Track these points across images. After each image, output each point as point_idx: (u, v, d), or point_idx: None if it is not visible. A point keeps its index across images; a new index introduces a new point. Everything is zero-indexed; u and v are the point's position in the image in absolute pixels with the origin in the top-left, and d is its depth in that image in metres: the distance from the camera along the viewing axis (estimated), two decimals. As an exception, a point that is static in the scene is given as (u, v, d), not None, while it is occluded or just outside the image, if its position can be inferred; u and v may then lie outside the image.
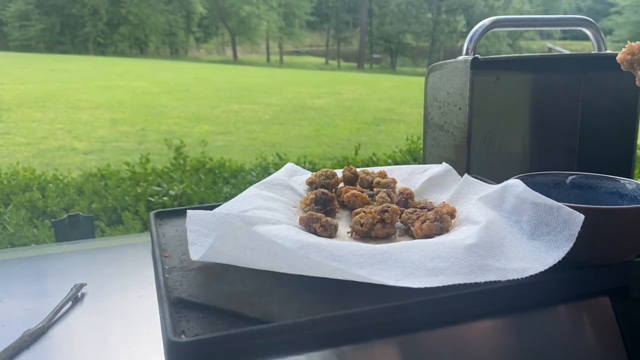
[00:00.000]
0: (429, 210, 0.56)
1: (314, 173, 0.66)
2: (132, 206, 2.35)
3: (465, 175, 0.63)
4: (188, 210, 0.50)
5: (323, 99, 9.45)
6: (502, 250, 0.46)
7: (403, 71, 20.58)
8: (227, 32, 23.64)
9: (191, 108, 8.03)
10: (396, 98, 9.88)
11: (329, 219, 0.53)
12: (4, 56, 14.93)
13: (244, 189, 0.61)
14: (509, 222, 0.50)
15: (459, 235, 0.48)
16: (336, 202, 0.60)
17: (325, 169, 0.65)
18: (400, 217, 0.55)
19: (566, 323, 0.49)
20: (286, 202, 0.59)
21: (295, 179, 0.67)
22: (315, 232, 0.51)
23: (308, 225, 0.52)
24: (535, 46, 24.61)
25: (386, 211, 0.53)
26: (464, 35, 0.89)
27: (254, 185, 0.61)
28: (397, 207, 0.55)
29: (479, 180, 0.61)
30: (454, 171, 0.66)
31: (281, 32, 23.41)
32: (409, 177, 0.68)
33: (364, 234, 0.52)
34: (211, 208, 0.63)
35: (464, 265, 0.43)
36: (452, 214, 0.55)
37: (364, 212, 0.54)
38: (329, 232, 0.52)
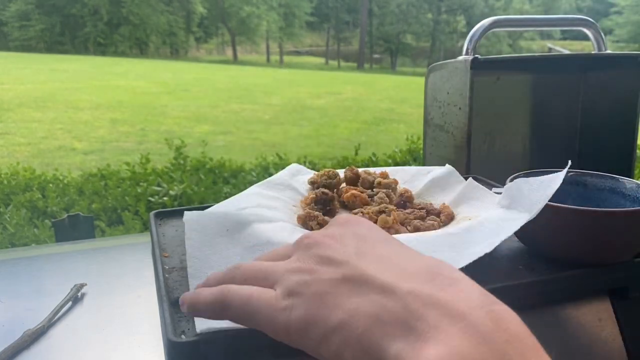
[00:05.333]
0: (428, 211, 0.56)
1: (316, 173, 0.66)
2: (132, 206, 2.35)
3: (470, 178, 0.63)
4: (186, 219, 0.49)
5: (323, 99, 9.45)
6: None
7: (403, 71, 20.59)
8: (227, 32, 23.65)
9: (191, 108, 8.03)
10: (396, 98, 9.88)
11: (326, 217, 0.53)
12: (4, 56, 14.93)
13: (244, 189, 0.61)
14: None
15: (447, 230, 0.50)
16: (336, 202, 0.59)
17: (327, 169, 0.65)
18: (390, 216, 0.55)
19: (566, 323, 0.49)
20: (286, 201, 0.59)
21: (297, 178, 0.67)
22: (311, 230, 0.51)
23: (305, 223, 0.52)
24: (535, 46, 24.62)
25: (384, 212, 0.53)
26: (464, 36, 0.89)
27: (255, 185, 0.61)
28: (395, 208, 0.55)
29: (482, 186, 0.61)
30: (457, 173, 0.66)
31: (281, 32, 23.42)
32: (412, 178, 0.68)
33: None
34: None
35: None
36: (450, 217, 0.55)
37: (362, 212, 0.54)
38: None
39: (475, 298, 0.26)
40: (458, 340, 0.24)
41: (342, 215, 0.38)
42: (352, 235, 0.34)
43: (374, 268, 0.30)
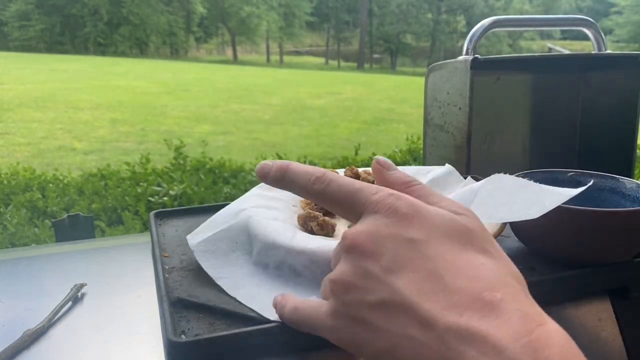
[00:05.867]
0: None
1: None
2: (132, 206, 2.35)
3: (469, 178, 0.62)
4: (194, 250, 0.48)
5: (323, 99, 9.46)
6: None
7: (403, 71, 20.60)
8: (227, 32, 23.66)
9: (191, 108, 8.04)
10: (396, 98, 9.89)
11: (326, 218, 0.52)
12: (4, 56, 14.94)
13: (244, 189, 0.61)
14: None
15: None
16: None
17: (327, 169, 0.65)
18: None
19: (566, 323, 0.49)
20: (286, 201, 0.59)
21: None
22: (311, 231, 0.51)
23: (305, 223, 0.52)
24: (535, 46, 24.64)
25: None
26: (464, 35, 0.89)
27: (256, 187, 0.61)
28: None
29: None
30: (457, 172, 0.66)
31: (281, 32, 23.43)
32: None
33: None
34: (211, 208, 0.63)
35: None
36: None
37: None
38: (326, 231, 0.51)
39: (514, 328, 0.26)
40: None
41: (372, 201, 0.33)
42: (387, 235, 0.31)
43: (412, 290, 0.29)
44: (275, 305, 0.38)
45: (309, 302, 0.36)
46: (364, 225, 0.32)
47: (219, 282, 0.45)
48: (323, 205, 0.39)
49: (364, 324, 0.30)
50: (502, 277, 0.29)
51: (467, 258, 0.30)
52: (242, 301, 0.42)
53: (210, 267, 0.46)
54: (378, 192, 0.33)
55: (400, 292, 0.29)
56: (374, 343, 0.29)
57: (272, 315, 0.40)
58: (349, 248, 0.32)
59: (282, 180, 0.38)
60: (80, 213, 0.80)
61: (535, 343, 0.25)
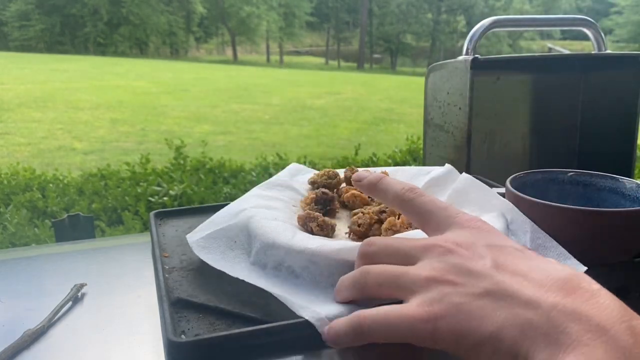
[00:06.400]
0: None
1: (316, 172, 0.66)
2: (132, 206, 2.35)
3: (463, 174, 0.62)
4: (194, 248, 0.49)
5: (323, 99, 9.45)
6: None
7: (403, 71, 20.60)
8: (227, 32, 23.66)
9: (191, 108, 8.03)
10: (396, 98, 9.89)
11: (326, 218, 0.52)
12: (4, 56, 14.94)
13: (244, 189, 0.61)
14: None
15: None
16: (337, 202, 0.59)
17: (327, 169, 0.64)
18: (398, 218, 0.55)
19: (566, 323, 0.49)
20: (286, 201, 0.59)
21: (297, 178, 0.66)
22: (311, 231, 0.51)
23: (305, 224, 0.52)
24: (535, 46, 24.64)
25: (384, 212, 0.53)
26: (464, 35, 0.90)
27: (256, 187, 0.61)
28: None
29: (476, 180, 0.60)
30: (457, 172, 0.65)
31: (281, 32, 23.43)
32: (412, 178, 0.67)
33: (362, 234, 0.52)
34: (211, 208, 0.63)
35: None
36: None
37: (362, 212, 0.54)
38: (326, 231, 0.51)
39: (616, 312, 0.28)
40: (599, 354, 0.26)
41: (462, 219, 0.38)
42: (485, 245, 0.34)
43: (515, 282, 0.31)
44: (323, 332, 0.36)
45: (377, 308, 0.34)
46: (455, 236, 0.36)
47: (216, 267, 0.46)
48: (408, 213, 0.41)
49: (469, 310, 0.31)
50: (590, 280, 0.32)
51: (549, 264, 0.33)
52: (244, 279, 0.43)
53: (209, 260, 0.47)
54: (461, 212, 0.39)
55: (502, 282, 0.31)
56: (478, 330, 0.30)
57: (269, 288, 0.41)
58: (446, 252, 0.34)
59: (376, 185, 0.43)
60: (80, 213, 0.80)
61: (636, 328, 0.27)
